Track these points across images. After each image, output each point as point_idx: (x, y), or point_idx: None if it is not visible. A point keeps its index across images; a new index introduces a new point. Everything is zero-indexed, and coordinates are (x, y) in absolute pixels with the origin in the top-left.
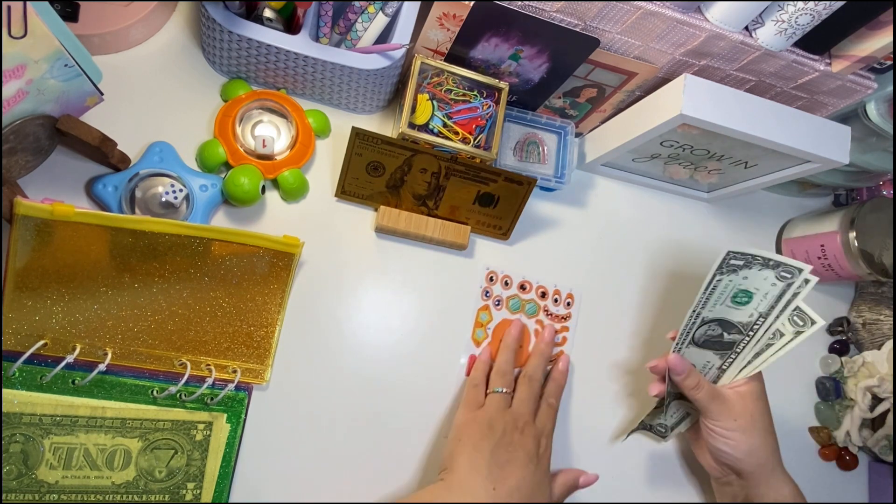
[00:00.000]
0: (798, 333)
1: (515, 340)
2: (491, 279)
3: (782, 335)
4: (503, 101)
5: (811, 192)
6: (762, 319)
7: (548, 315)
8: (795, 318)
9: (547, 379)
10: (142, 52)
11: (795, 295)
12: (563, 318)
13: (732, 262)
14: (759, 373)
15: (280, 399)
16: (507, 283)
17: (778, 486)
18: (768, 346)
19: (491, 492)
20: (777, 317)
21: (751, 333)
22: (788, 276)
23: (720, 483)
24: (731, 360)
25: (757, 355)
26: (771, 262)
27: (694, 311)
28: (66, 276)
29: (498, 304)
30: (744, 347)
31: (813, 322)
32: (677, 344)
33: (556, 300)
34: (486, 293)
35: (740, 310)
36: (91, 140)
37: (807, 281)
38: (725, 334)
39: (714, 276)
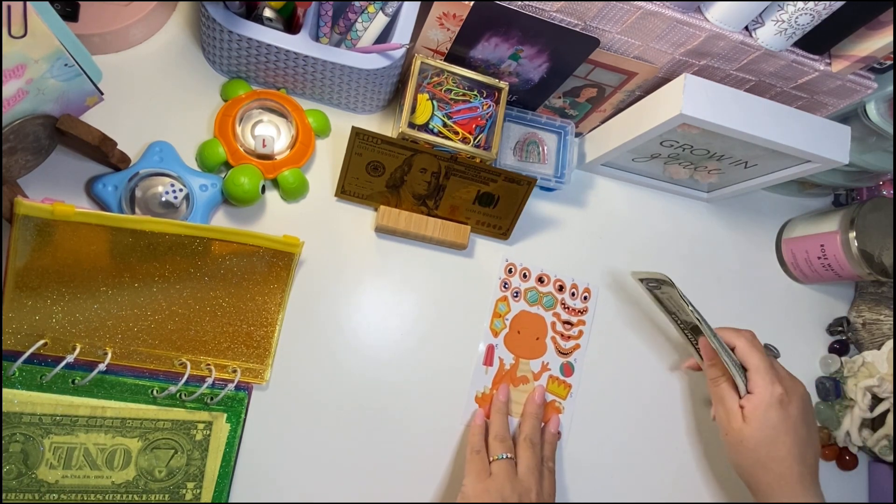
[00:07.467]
0: None
1: (505, 405)
2: (510, 271)
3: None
4: (503, 101)
5: (811, 192)
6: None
7: (565, 308)
8: None
9: (542, 441)
10: (142, 52)
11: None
12: (579, 311)
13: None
14: (782, 381)
15: (280, 399)
16: (525, 276)
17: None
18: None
19: None
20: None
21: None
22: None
23: None
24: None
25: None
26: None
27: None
28: (67, 275)
29: (516, 296)
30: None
31: None
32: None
33: (573, 294)
34: (505, 284)
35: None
36: (91, 140)
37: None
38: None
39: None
